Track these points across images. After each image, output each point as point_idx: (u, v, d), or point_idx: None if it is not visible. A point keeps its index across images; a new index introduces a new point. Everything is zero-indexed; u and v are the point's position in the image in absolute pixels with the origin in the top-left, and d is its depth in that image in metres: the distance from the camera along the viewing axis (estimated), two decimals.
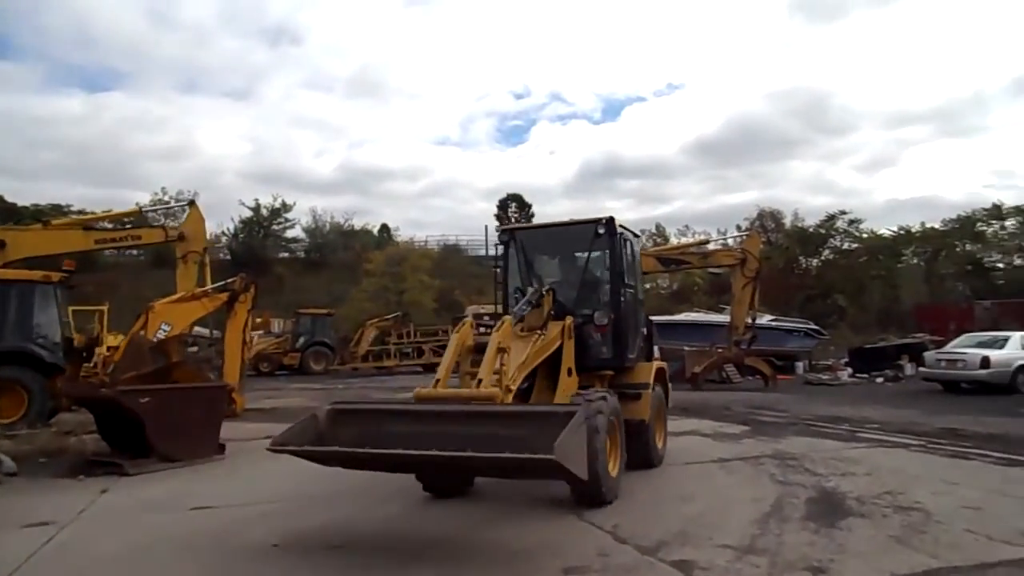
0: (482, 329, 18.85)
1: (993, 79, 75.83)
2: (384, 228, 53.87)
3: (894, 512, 5.51)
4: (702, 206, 72.85)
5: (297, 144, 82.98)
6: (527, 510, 5.77)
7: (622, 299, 7.36)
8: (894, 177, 75.75)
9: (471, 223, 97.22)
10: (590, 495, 5.59)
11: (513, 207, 52.88)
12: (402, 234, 51.00)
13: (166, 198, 43.75)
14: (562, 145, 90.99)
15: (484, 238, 48.86)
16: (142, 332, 11.48)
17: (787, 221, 41.66)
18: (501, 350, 5.76)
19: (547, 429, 4.35)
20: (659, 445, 7.68)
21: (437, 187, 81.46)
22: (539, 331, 6.54)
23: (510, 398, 5.61)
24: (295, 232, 49.57)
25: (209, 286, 14.24)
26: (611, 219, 7.36)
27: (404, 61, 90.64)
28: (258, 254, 45.11)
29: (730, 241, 20.67)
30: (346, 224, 51.66)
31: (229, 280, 14.33)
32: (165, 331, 12.56)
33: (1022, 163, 68.82)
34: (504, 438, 4.63)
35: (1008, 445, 8.85)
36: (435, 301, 38.48)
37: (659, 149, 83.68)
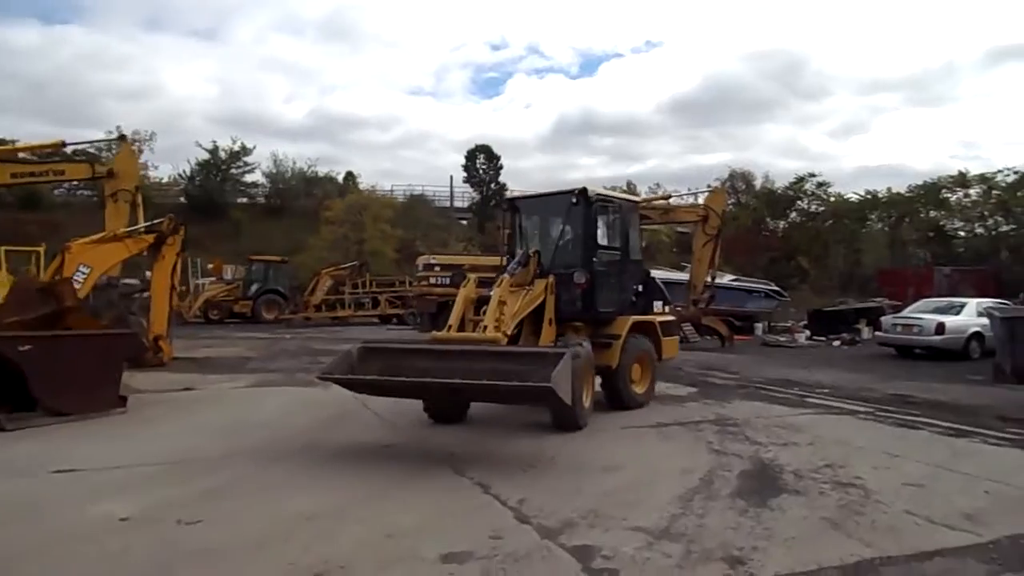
0: (432, 280, 18.04)
1: (965, 50, 75.68)
2: (349, 176, 52.24)
3: (832, 489, 5.04)
4: (675, 165, 72.40)
5: (266, 88, 79.75)
6: (431, 480, 5.18)
7: (594, 260, 8.15)
8: (865, 144, 75.97)
9: (443, 175, 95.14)
10: (565, 422, 6.79)
11: (481, 159, 51.45)
12: (367, 182, 49.42)
13: None
14: (538, 99, 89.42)
15: (449, 189, 47.64)
16: (56, 276, 10.58)
17: (758, 183, 41.35)
18: (502, 302, 6.96)
19: (540, 365, 5.56)
20: (638, 390, 8.45)
21: (410, 137, 79.43)
22: (527, 287, 7.55)
23: (506, 341, 6.74)
24: (255, 177, 47.81)
25: (141, 225, 13.29)
26: (584, 189, 8.16)
27: (378, 6, 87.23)
28: (215, 198, 43.48)
29: (694, 198, 20.12)
30: (309, 170, 50.01)
31: (156, 221, 13.35)
32: (84, 273, 11.65)
33: (988, 135, 69.27)
34: (504, 371, 5.79)
35: (957, 414, 8.53)
36: (396, 251, 37.52)
37: (635, 107, 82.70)
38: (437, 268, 17.50)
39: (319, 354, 15.34)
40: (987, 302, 15.90)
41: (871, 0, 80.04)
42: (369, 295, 27.85)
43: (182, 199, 43.70)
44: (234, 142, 45.85)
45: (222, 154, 45.52)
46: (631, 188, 48.02)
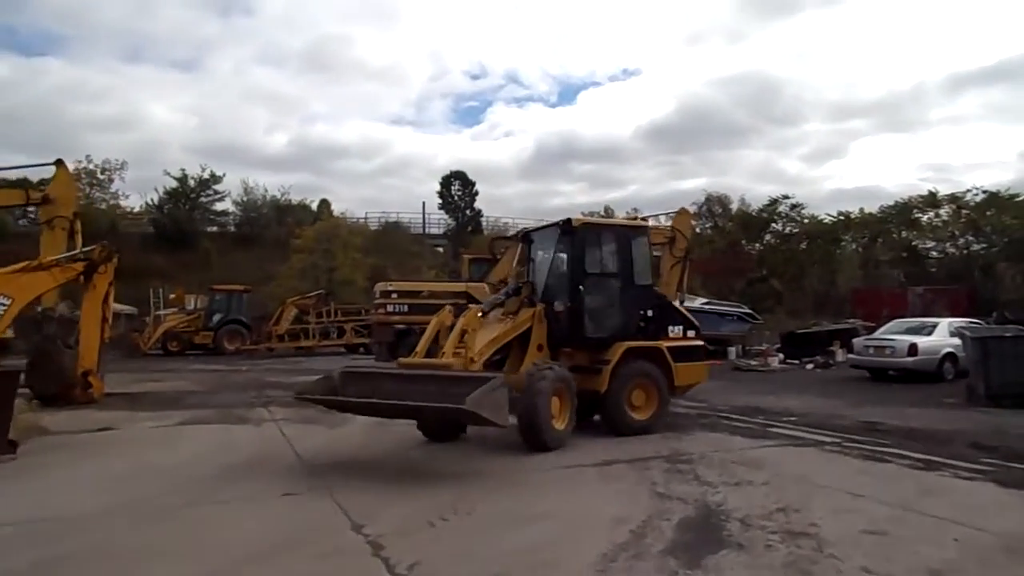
0: (389, 307, 17.14)
1: (931, 77, 77.20)
2: (323, 203, 51.68)
3: (781, 541, 4.40)
4: (655, 191, 72.68)
5: (247, 119, 79.48)
6: (320, 539, 4.46)
7: (581, 288, 8.27)
8: (840, 168, 76.73)
9: (425, 202, 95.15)
10: (532, 442, 7.17)
11: (457, 185, 51.29)
12: (346, 210, 48.96)
13: (91, 167, 41.07)
14: (518, 127, 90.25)
15: (422, 216, 47.29)
16: None
17: (734, 206, 41.26)
18: (463, 331, 7.46)
19: (475, 388, 5.90)
20: (638, 416, 8.34)
21: (392, 166, 79.57)
22: (511, 315, 8.11)
23: (475, 366, 7.17)
24: (225, 206, 47.06)
25: (76, 252, 12.51)
26: (568, 220, 8.57)
27: (360, 37, 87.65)
28: (184, 227, 42.58)
29: (661, 219, 19.66)
30: (283, 198, 49.37)
31: (87, 248, 12.58)
32: (4, 306, 10.86)
33: (955, 157, 70.34)
34: (449, 394, 6.11)
35: (929, 443, 7.96)
36: (367, 279, 36.75)
37: (614, 134, 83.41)
38: (395, 295, 16.80)
39: (270, 387, 14.56)
40: (959, 322, 15.49)
41: (840, 29, 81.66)
42: (335, 324, 27.03)
43: (151, 229, 42.96)
44: (203, 170, 45.17)
45: (191, 182, 44.79)
46: (608, 213, 47.83)
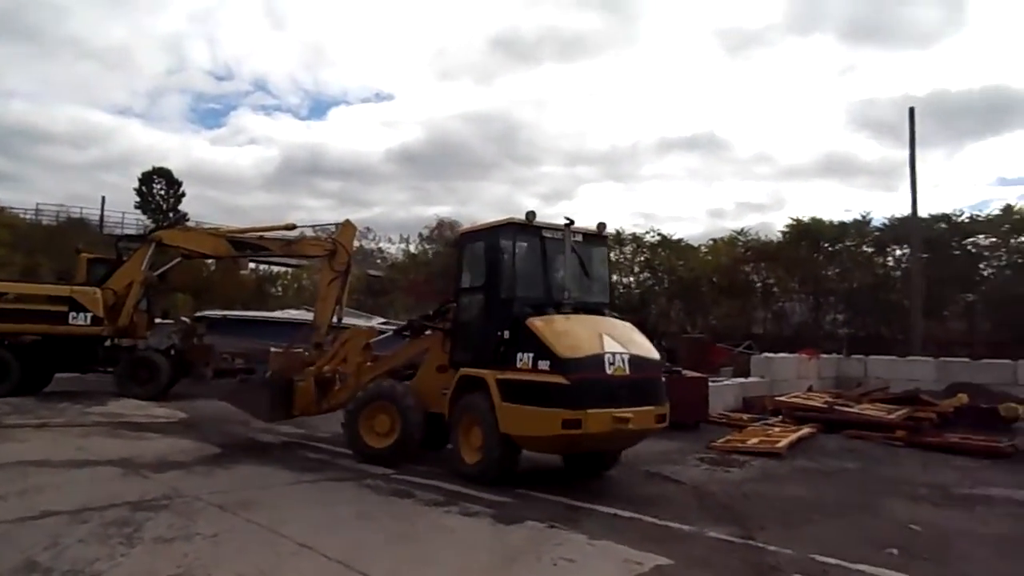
0: None
1: (645, 137, 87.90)
2: None
3: None
4: (401, 214, 72.40)
5: None
6: None
7: (452, 305, 7.87)
8: (569, 208, 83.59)
9: (118, 200, 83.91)
10: (351, 448, 7.93)
11: (160, 184, 45.50)
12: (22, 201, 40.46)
13: None
14: (263, 136, 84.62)
15: (100, 211, 41.31)
16: None
17: None
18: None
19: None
20: (467, 460, 6.99)
21: (111, 160, 68.95)
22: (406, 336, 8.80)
23: (349, 382, 8.60)
24: None
25: None
26: (460, 233, 8.86)
27: (78, 10, 75.19)
28: None
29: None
30: None
31: None
32: None
33: (660, 208, 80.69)
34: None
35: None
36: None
37: (364, 154, 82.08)
38: (9, 295, 13.20)
39: None
40: None
41: (574, 85, 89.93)
42: None
43: None
44: None
45: None
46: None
